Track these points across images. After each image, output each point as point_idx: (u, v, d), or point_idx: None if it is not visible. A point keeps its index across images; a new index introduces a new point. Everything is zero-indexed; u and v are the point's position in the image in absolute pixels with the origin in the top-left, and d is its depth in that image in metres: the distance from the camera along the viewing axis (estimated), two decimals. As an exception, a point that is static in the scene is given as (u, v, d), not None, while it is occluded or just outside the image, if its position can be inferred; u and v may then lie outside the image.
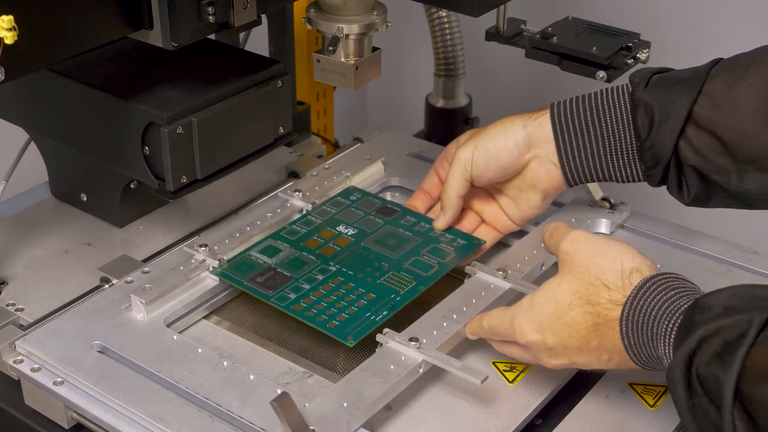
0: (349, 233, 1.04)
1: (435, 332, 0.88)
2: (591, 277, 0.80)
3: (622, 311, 0.77)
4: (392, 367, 0.85)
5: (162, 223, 1.11)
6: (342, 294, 0.95)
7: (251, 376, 0.85)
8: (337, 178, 1.13)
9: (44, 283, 1.01)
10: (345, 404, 0.81)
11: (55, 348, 0.89)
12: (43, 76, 1.01)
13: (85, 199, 1.11)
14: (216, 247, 1.00)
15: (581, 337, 0.79)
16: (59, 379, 0.86)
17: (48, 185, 1.15)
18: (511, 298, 0.94)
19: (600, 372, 0.89)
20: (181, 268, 0.97)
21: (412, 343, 0.86)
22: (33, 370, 0.88)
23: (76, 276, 1.01)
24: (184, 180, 0.97)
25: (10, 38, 0.71)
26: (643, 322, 0.76)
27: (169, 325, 0.93)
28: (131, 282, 0.97)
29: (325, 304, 0.93)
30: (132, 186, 1.07)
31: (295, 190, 1.10)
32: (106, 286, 0.98)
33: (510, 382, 0.88)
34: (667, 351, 0.74)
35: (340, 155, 1.21)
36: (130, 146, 0.97)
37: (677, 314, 0.74)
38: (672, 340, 0.74)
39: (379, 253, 1.01)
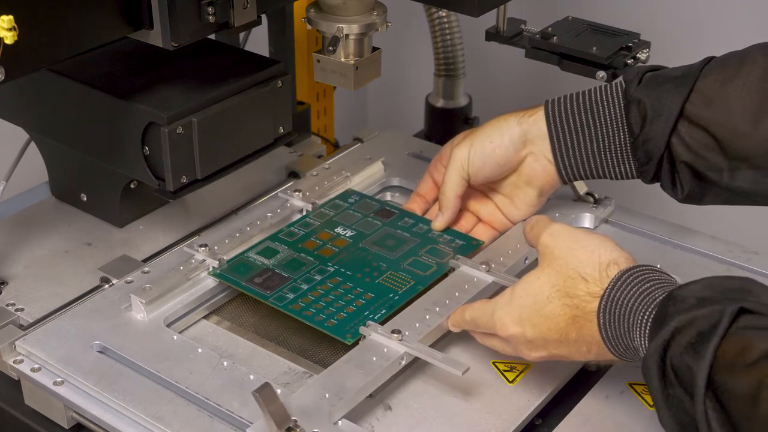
0: (347, 235, 1.04)
1: (417, 324, 0.89)
2: (569, 270, 0.80)
3: (600, 303, 0.78)
4: (374, 358, 0.85)
5: (162, 223, 1.11)
6: (340, 294, 0.95)
7: (251, 376, 0.85)
8: (337, 178, 1.13)
9: (44, 283, 1.01)
10: (327, 395, 0.82)
11: (55, 348, 0.89)
12: (43, 76, 1.01)
13: (85, 199, 1.11)
14: (216, 247, 1.00)
15: (560, 329, 0.80)
16: (59, 379, 0.86)
17: (48, 185, 1.15)
18: (494, 291, 0.95)
19: (600, 372, 0.89)
20: (181, 268, 0.97)
21: (395, 335, 0.87)
22: (33, 370, 0.88)
23: (76, 276, 1.01)
24: (184, 180, 0.97)
25: (10, 38, 0.71)
26: (620, 313, 0.76)
27: (169, 325, 0.93)
28: (131, 282, 0.97)
29: (323, 304, 0.93)
30: (132, 186, 1.07)
31: (295, 190, 1.10)
32: (106, 286, 0.98)
33: (510, 382, 0.88)
34: (642, 342, 0.75)
35: (340, 155, 1.21)
36: (130, 146, 0.97)
37: (652, 306, 0.75)
38: (647, 331, 0.74)
39: (378, 254, 1.01)
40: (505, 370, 0.89)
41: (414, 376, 0.89)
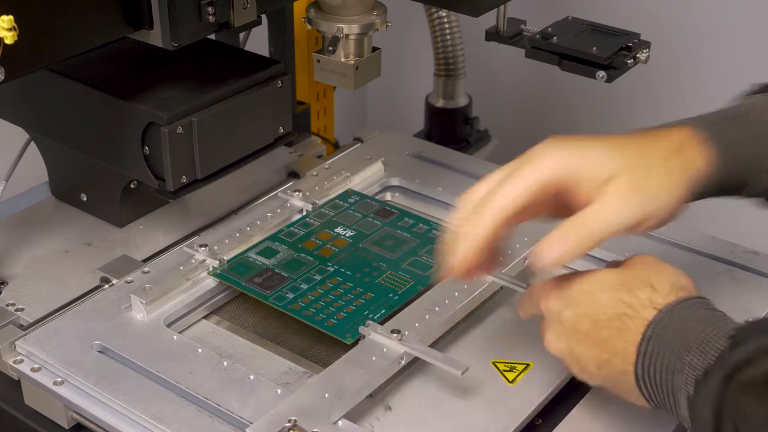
0: (347, 235, 1.04)
1: (417, 324, 0.89)
2: (644, 275, 0.77)
3: (657, 314, 0.74)
4: (374, 358, 0.85)
5: (162, 223, 1.11)
6: (340, 293, 0.95)
7: (251, 376, 0.85)
8: (337, 179, 1.13)
9: (44, 283, 1.01)
10: (327, 395, 0.82)
11: (55, 348, 0.89)
12: (43, 76, 1.00)
13: (85, 199, 1.11)
14: (216, 247, 1.00)
15: (597, 321, 0.75)
16: (59, 379, 0.86)
17: (48, 185, 1.15)
18: (494, 291, 0.95)
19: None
20: (181, 268, 0.97)
21: (394, 335, 0.87)
22: (33, 370, 0.88)
23: (76, 276, 1.01)
24: (184, 180, 0.97)
25: (10, 38, 0.71)
26: (677, 328, 0.72)
27: (169, 326, 0.93)
28: (131, 282, 0.97)
29: (323, 304, 0.93)
30: (132, 186, 1.07)
31: (295, 190, 1.10)
32: (106, 286, 0.98)
33: (510, 382, 0.88)
34: (693, 361, 0.70)
35: (340, 155, 1.21)
36: (130, 146, 0.97)
37: (728, 329, 0.70)
38: (715, 353, 0.70)
39: (377, 254, 1.01)
40: (505, 370, 0.89)
41: (414, 376, 0.89)
